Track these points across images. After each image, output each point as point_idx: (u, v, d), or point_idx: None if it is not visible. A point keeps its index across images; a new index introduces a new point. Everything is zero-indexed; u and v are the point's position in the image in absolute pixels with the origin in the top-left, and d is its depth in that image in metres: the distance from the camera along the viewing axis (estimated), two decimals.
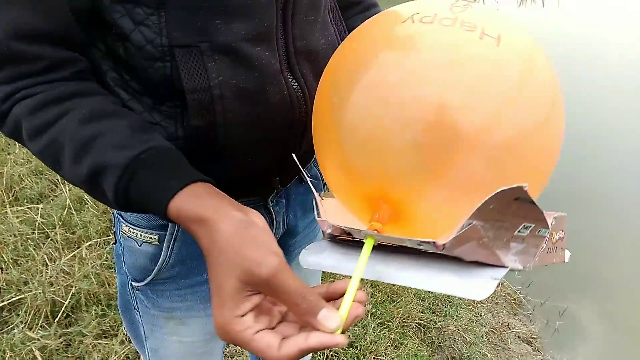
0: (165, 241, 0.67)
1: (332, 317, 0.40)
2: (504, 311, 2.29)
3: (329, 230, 0.51)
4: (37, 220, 2.01)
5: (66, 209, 2.15)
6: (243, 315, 0.41)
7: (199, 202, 0.45)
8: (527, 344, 2.16)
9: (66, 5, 0.50)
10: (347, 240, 0.53)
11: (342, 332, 0.41)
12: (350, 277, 0.45)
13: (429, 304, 2.09)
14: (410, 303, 2.05)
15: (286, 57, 0.60)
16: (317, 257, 0.53)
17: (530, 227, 0.45)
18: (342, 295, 0.44)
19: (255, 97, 0.58)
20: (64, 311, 1.69)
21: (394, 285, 2.08)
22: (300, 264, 0.53)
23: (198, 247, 0.67)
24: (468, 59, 0.44)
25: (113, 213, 0.73)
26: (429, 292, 2.12)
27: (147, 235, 0.67)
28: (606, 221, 2.93)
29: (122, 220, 0.69)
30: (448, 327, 2.01)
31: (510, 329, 2.17)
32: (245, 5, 0.54)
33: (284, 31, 0.59)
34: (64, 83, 0.52)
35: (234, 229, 0.43)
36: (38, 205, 2.13)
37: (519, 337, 2.17)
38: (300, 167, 0.54)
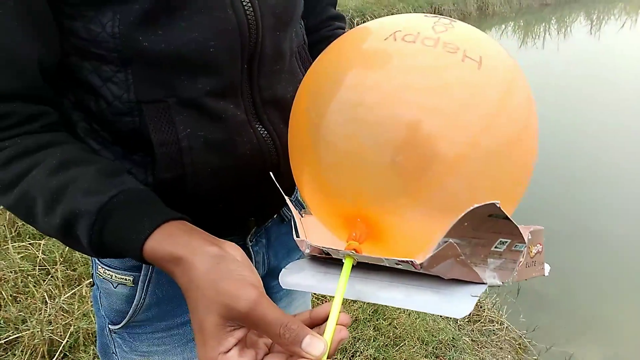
0: (139, 282, 0.67)
1: (316, 343, 0.40)
2: (509, 356, 2.24)
3: (307, 250, 0.51)
4: (38, 257, 2.00)
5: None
6: (227, 352, 0.40)
7: (173, 241, 0.45)
8: None
9: (36, 67, 0.51)
10: (326, 258, 0.53)
11: (328, 358, 0.41)
12: (333, 298, 0.45)
13: (433, 348, 2.05)
14: (414, 347, 2.01)
15: (253, 107, 0.61)
16: (297, 277, 0.53)
17: (506, 242, 0.45)
18: (326, 320, 0.44)
19: (224, 148, 0.59)
20: (61, 351, 1.66)
21: (396, 329, 2.05)
22: (280, 284, 0.53)
23: (172, 288, 0.68)
24: (450, 84, 0.44)
25: None
26: (433, 336, 2.09)
27: (122, 276, 0.66)
28: (610, 264, 2.91)
29: (97, 262, 0.69)
30: None
31: None
32: (210, 62, 0.55)
33: (249, 83, 0.60)
34: (34, 135, 0.52)
35: (209, 265, 0.43)
36: (40, 242, 2.12)
37: None
38: (281, 190, 0.54)
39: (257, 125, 0.61)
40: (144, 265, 0.66)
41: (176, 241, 0.45)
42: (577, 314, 2.57)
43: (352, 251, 0.46)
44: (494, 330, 2.36)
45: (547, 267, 0.52)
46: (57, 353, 1.64)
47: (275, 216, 0.76)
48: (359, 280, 0.49)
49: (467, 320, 2.35)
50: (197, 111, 0.56)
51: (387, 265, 0.46)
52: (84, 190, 0.49)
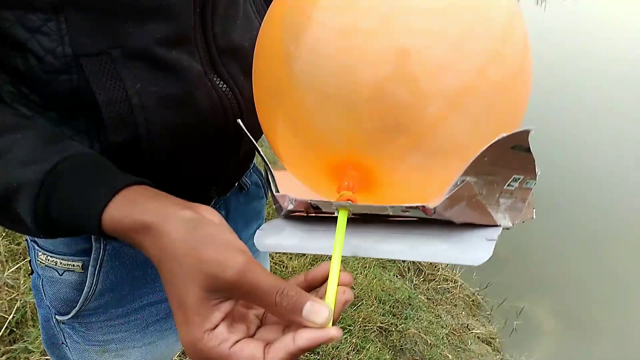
0: (89, 267, 0.59)
1: (319, 309, 0.35)
2: (463, 312, 2.31)
3: (290, 206, 0.46)
4: None
5: None
6: (214, 328, 0.35)
7: (138, 208, 0.39)
8: (486, 344, 2.18)
9: None
10: (303, 216, 0.48)
11: (333, 324, 0.36)
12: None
13: (390, 307, 2.09)
14: (371, 307, 2.04)
15: (209, 57, 0.55)
16: (277, 238, 0.47)
17: (519, 178, 0.41)
18: (324, 281, 0.39)
19: (182, 105, 0.52)
20: (7, 327, 1.59)
21: (354, 289, 2.07)
22: (257, 247, 0.47)
23: (127, 271, 0.62)
24: (455, 6, 0.39)
25: (26, 240, 0.64)
26: (390, 295, 2.12)
27: (69, 262, 0.59)
28: (557, 222, 3.03)
29: (37, 247, 0.61)
30: (409, 329, 2.01)
31: (470, 330, 2.19)
32: (160, 7, 0.48)
33: (203, 30, 0.54)
34: None
35: (185, 230, 0.37)
36: None
37: (478, 337, 2.19)
38: (250, 137, 0.49)
39: (214, 78, 0.55)
40: (93, 248, 0.59)
41: (142, 207, 0.39)
42: (528, 272, 2.68)
43: (348, 201, 0.41)
44: (448, 288, 2.42)
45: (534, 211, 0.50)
46: (3, 329, 1.57)
47: (235, 184, 0.71)
48: (353, 234, 0.44)
49: (422, 279, 2.40)
50: (148, 63, 0.49)
51: (392, 213, 0.41)
52: (21, 160, 0.42)
